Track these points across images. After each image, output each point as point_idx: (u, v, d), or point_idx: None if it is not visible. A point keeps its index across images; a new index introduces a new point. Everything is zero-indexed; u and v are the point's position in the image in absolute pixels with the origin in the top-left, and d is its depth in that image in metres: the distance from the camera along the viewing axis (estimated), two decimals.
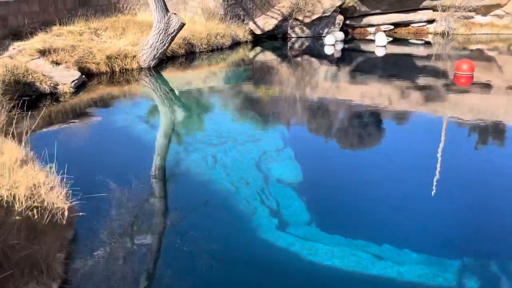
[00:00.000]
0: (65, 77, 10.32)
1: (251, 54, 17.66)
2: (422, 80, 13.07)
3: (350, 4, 20.47)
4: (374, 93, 11.68)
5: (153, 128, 8.88)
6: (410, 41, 20.84)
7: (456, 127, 9.11)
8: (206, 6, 17.71)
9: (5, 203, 3.99)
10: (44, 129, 7.82)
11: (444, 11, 20.53)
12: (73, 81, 10.29)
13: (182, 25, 12.50)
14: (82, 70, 11.36)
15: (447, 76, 13.66)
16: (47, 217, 4.04)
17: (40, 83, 9.67)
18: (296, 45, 19.66)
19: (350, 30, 21.60)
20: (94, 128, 8.46)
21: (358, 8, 20.83)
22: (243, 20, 19.09)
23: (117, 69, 12.40)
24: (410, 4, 20.85)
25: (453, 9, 20.31)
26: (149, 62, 12.87)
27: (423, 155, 7.21)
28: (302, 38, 20.58)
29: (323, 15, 19.94)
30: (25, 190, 4.18)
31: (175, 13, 12.63)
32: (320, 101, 11.26)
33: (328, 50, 18.27)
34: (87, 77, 11.33)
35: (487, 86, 12.11)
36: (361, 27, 21.94)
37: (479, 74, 12.84)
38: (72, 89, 10.13)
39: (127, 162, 6.73)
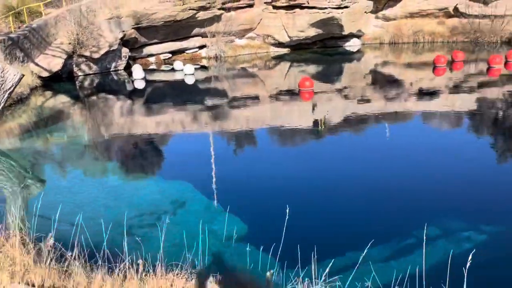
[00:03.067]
0: None
1: (51, 102, 14.86)
2: (213, 101, 14.18)
3: (132, 36, 19.81)
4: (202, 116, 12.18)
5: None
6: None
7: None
8: None
9: None
10: None
11: (213, 37, 22.53)
12: None
13: (21, 77, 9.61)
14: None
15: (227, 96, 15.30)
16: None
17: None
18: (87, 84, 17.65)
19: (132, 62, 20.86)
20: None
21: (138, 39, 20.38)
22: (24, 62, 15.72)
23: None
24: (183, 32, 21.91)
25: (220, 34, 22.54)
26: None
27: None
28: (91, 75, 18.58)
29: (110, 49, 18.60)
30: None
31: (8, 63, 9.58)
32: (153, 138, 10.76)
33: (138, 85, 17.24)
34: None
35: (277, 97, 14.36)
36: (142, 57, 21.55)
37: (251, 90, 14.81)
38: None
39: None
